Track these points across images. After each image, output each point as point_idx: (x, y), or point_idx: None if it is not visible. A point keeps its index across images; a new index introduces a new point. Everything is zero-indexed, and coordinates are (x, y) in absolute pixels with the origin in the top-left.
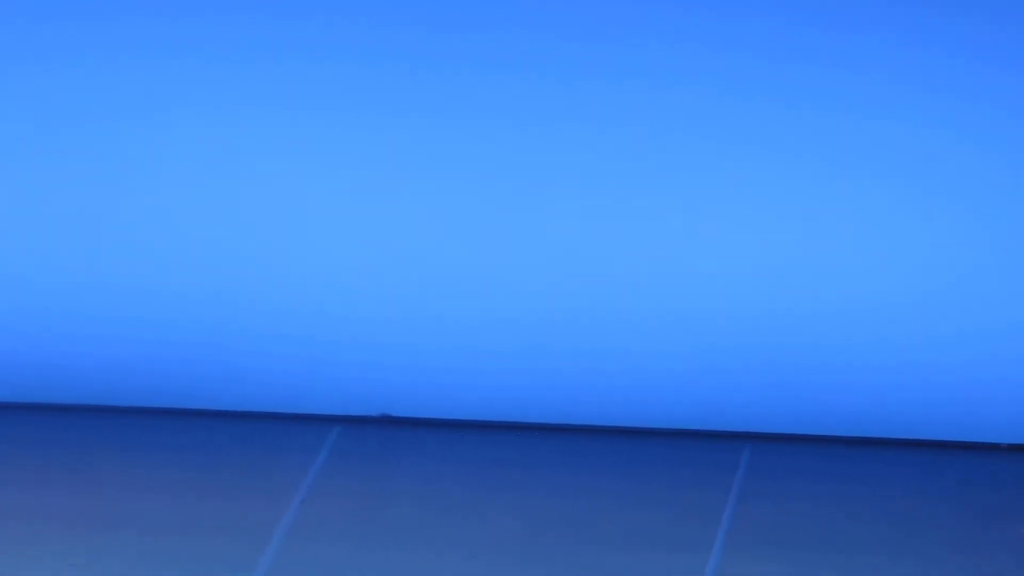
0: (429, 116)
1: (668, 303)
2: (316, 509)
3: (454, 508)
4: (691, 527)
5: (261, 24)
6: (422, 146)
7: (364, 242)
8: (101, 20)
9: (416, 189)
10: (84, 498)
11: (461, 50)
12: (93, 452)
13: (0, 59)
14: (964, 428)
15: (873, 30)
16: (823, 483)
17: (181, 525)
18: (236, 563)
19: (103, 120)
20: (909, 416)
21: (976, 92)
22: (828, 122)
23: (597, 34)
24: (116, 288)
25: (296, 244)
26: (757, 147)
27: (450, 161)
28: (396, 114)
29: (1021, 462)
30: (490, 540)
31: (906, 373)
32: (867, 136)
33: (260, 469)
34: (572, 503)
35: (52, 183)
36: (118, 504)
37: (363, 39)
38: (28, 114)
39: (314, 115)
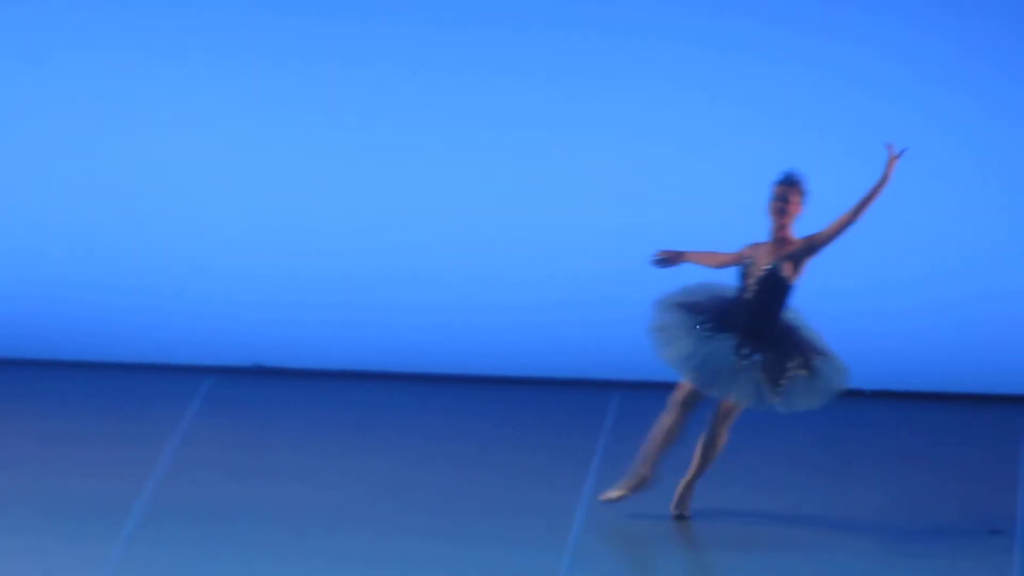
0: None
1: (540, 260)
2: (189, 457)
3: (325, 454)
4: (565, 466)
5: None
6: (294, 109)
7: (235, 197)
8: None
9: (281, 145)
10: None
11: None
12: None
13: None
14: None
15: None
16: (697, 428)
17: (57, 473)
18: (111, 508)
19: None
20: None
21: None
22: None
23: None
24: None
25: (168, 198)
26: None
27: (314, 126)
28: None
29: (882, 407)
30: (362, 483)
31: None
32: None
33: (134, 418)
34: (445, 446)
35: None
36: None
37: None
38: None
39: (198, 67)
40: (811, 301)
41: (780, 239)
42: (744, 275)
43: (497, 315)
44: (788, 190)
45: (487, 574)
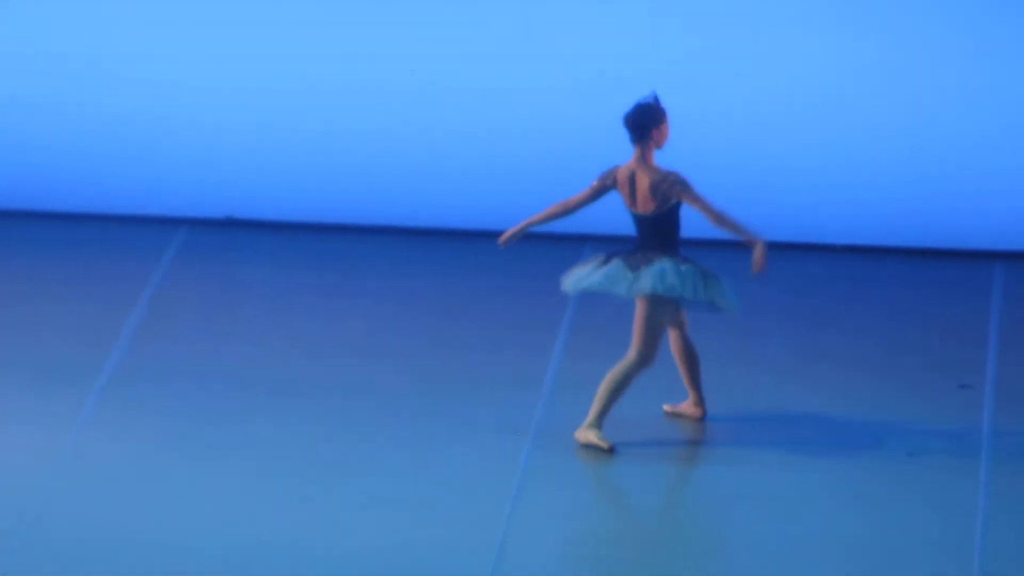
0: None
1: (511, 110)
2: (162, 307)
3: (298, 307)
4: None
5: None
6: None
7: (209, 47)
8: None
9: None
10: None
11: None
12: None
13: None
14: (802, 230)
15: None
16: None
17: (30, 325)
18: (85, 360)
19: None
20: (756, 220)
21: None
22: None
23: None
24: None
25: (142, 48)
26: None
27: None
28: None
29: (852, 261)
30: (333, 337)
31: (748, 178)
32: None
33: (108, 269)
34: (419, 299)
35: None
36: None
37: None
38: None
39: None
40: (783, 153)
41: (645, 166)
42: (631, 214)
43: (470, 167)
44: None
45: (464, 422)
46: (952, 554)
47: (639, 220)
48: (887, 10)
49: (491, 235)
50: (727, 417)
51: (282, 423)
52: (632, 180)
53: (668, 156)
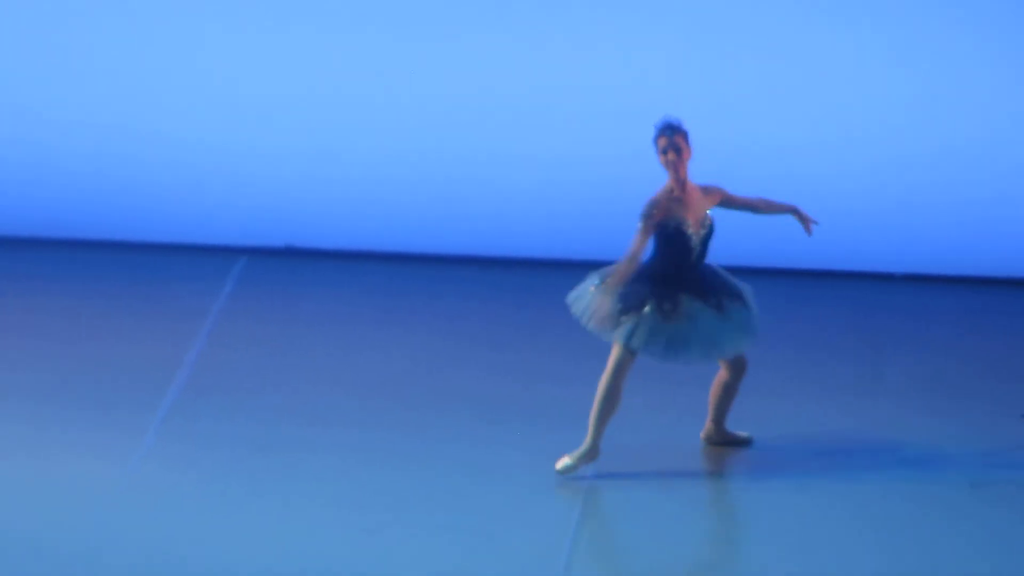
0: None
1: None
2: (222, 336)
3: (356, 338)
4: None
5: None
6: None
7: (268, 74)
8: None
9: (320, 26)
10: None
11: None
12: (3, 283)
13: None
14: (860, 258)
15: None
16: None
17: (93, 353)
18: (146, 388)
19: None
20: (808, 247)
21: None
22: None
23: None
24: (19, 118)
25: (201, 76)
26: None
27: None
28: None
29: (912, 291)
30: (393, 368)
31: (805, 205)
32: None
33: (169, 298)
34: (473, 327)
35: None
36: (31, 334)
37: None
38: None
39: None
40: (842, 180)
41: (689, 188)
42: (682, 237)
43: (527, 196)
44: (676, 137)
45: (524, 453)
46: None
47: (703, 251)
48: (948, 40)
49: (550, 264)
50: (785, 447)
51: (343, 454)
52: (692, 204)
53: (732, 181)
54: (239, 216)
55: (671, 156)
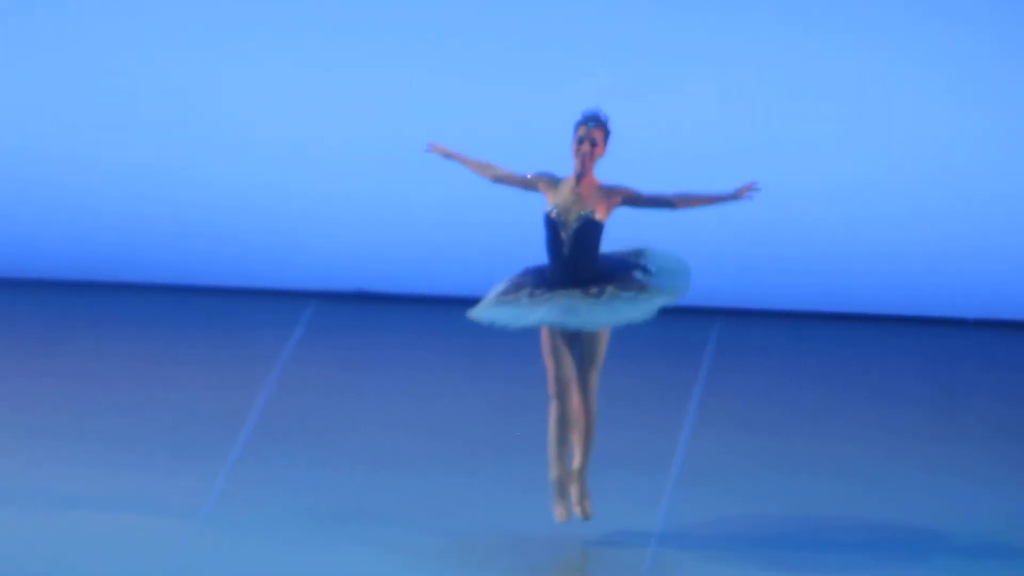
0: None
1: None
2: (292, 383)
3: (426, 383)
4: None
5: None
6: (390, 26)
7: (339, 120)
8: None
9: (386, 67)
10: (66, 374)
11: None
12: (75, 327)
13: None
14: (932, 303)
15: None
16: (794, 357)
17: (164, 397)
18: (217, 433)
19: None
20: (879, 292)
21: None
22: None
23: None
24: (93, 165)
25: (273, 122)
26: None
27: (422, 55)
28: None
29: (985, 337)
30: (462, 413)
31: (876, 249)
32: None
33: (240, 343)
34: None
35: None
36: (102, 379)
37: None
38: None
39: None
40: (913, 226)
41: (586, 180)
42: (552, 227)
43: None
44: (595, 130)
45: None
46: None
47: (574, 246)
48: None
49: None
50: (853, 497)
51: (412, 498)
52: (574, 197)
53: (803, 225)
54: (310, 261)
55: (585, 147)
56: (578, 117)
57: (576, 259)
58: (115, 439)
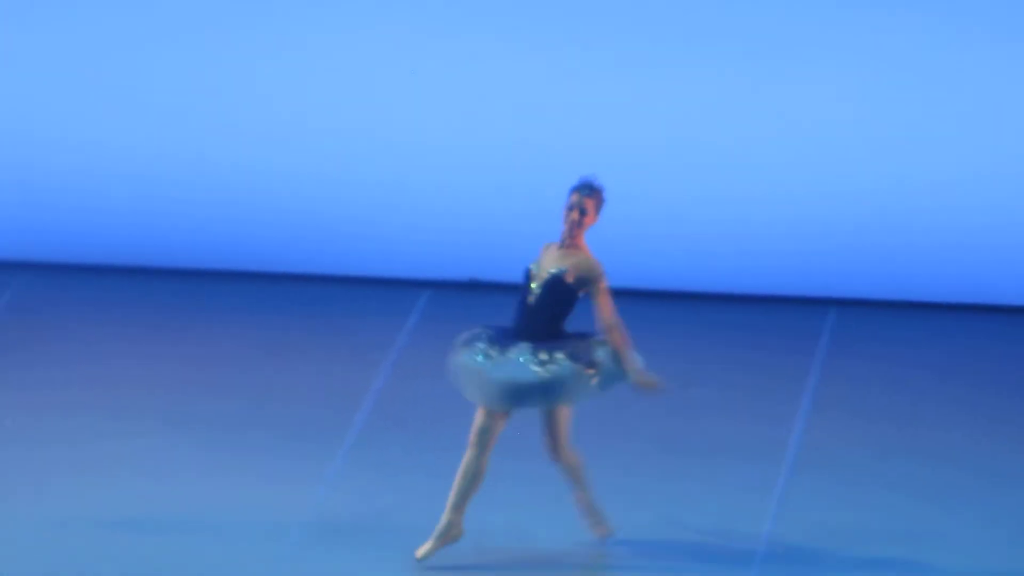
0: None
1: (754, 178)
2: (406, 370)
3: None
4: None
5: None
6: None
7: (452, 112)
8: None
9: (498, 59)
10: (188, 360)
11: None
12: (199, 314)
13: None
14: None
15: None
16: (909, 347)
17: (280, 384)
18: (332, 419)
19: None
20: (997, 281)
21: None
22: None
23: None
24: (214, 160)
25: (386, 115)
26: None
27: (537, 38)
28: None
29: None
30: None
31: (989, 239)
32: None
33: (356, 330)
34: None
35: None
36: (219, 366)
37: None
38: None
39: None
40: (958, 216)
41: (570, 245)
42: (529, 277)
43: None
44: (587, 199)
45: (709, 487)
46: None
47: (541, 300)
48: None
49: (729, 298)
50: (969, 487)
51: (523, 484)
52: (555, 256)
53: (920, 215)
54: (424, 250)
55: (574, 215)
56: (575, 182)
57: (537, 311)
58: (234, 423)
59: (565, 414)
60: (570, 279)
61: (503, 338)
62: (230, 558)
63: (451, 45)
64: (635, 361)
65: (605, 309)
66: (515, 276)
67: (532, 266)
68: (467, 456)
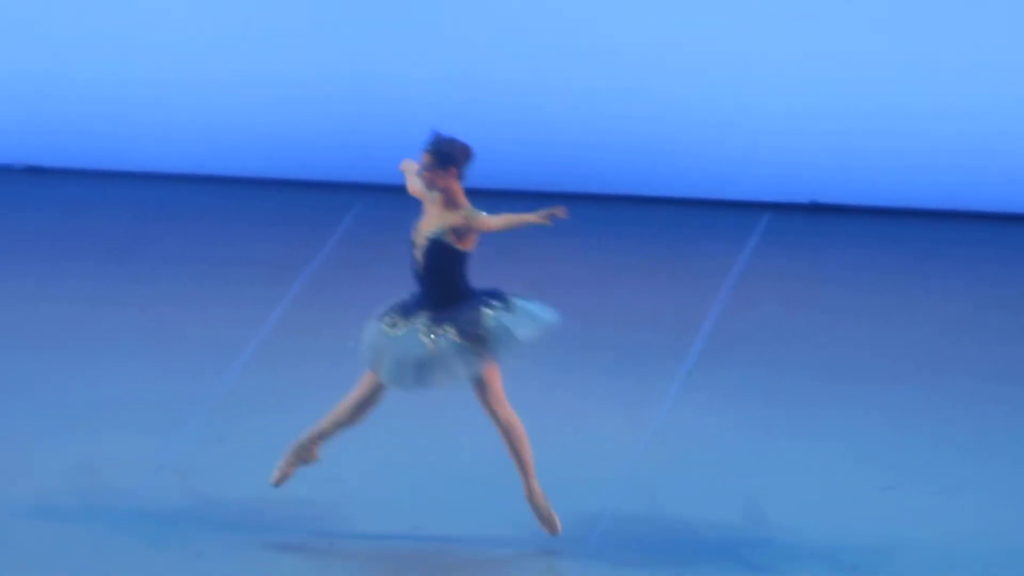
0: None
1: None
2: (747, 291)
3: (880, 296)
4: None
5: None
6: None
7: (792, 36)
8: None
9: None
10: (525, 281)
11: None
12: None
13: None
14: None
15: None
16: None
17: (617, 308)
18: (672, 344)
19: None
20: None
21: None
22: None
23: None
24: (572, 84)
25: (730, 37)
26: None
27: None
28: None
29: None
30: (913, 327)
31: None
32: None
33: (695, 253)
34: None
35: None
36: (555, 287)
37: None
38: None
39: None
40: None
41: (444, 202)
42: (411, 244)
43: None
44: (424, 155)
45: None
46: None
47: (427, 267)
48: None
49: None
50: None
51: (860, 411)
52: (433, 216)
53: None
54: (765, 172)
55: (425, 176)
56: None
57: (427, 279)
58: (573, 343)
59: (494, 371)
60: (450, 239)
61: (407, 309)
62: (565, 476)
63: None
64: (523, 217)
65: (490, 226)
66: (858, 199)
67: (412, 233)
68: (364, 377)
